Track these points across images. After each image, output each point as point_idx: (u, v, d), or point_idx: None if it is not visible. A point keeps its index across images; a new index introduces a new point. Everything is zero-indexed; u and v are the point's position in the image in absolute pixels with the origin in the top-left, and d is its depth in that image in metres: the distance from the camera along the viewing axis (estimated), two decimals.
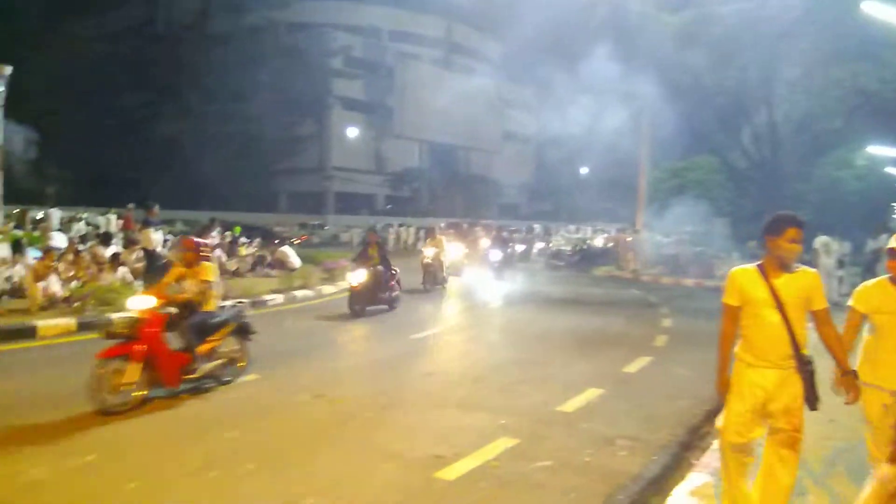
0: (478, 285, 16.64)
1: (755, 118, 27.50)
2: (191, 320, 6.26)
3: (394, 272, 12.09)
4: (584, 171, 61.41)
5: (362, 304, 11.17)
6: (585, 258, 23.99)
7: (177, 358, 6.10)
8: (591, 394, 6.57)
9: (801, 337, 3.35)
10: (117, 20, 54.41)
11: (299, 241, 27.45)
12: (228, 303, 7.72)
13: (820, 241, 15.05)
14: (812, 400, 3.37)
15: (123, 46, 48.83)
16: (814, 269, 3.53)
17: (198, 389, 6.27)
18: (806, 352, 3.36)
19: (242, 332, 6.87)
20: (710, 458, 4.71)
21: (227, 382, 6.56)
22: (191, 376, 6.16)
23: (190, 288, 6.40)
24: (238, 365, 6.77)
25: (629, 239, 23.00)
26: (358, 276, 11.32)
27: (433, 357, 8.33)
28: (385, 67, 61.13)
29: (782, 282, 3.36)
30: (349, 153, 56.51)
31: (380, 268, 11.64)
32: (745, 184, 28.16)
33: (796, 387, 3.36)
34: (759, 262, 3.49)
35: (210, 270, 6.51)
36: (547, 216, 60.05)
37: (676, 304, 14.28)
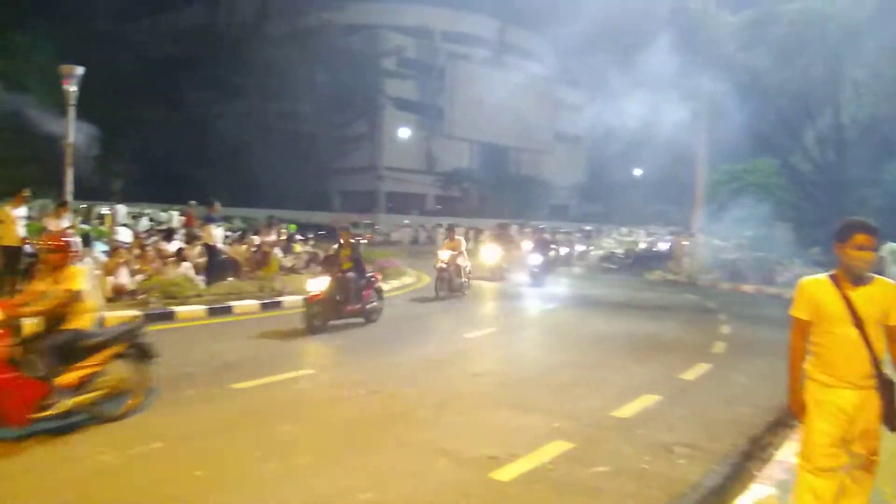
0: (511, 293, 15.61)
1: (819, 120, 26.49)
2: (49, 341, 4.92)
3: (372, 278, 10.53)
4: (637, 172, 60.38)
5: (323, 317, 9.30)
6: (638, 261, 23.58)
7: (24, 388, 4.65)
8: (648, 400, 6.45)
9: (880, 353, 3.14)
10: (181, 21, 56.22)
11: (366, 239, 27.75)
12: (195, 307, 7.42)
13: (888, 248, 14.38)
14: (892, 420, 3.15)
15: (187, 47, 50.36)
16: (892, 281, 3.27)
17: (63, 428, 4.88)
18: (885, 370, 3.16)
19: (137, 354, 5.50)
20: (774, 469, 4.57)
21: (113, 418, 5.18)
22: (45, 413, 4.72)
23: (53, 297, 5.02)
24: (129, 396, 5.35)
25: (685, 242, 22.47)
26: (317, 284, 9.45)
27: (485, 357, 8.32)
28: (437, 68, 61.41)
29: (859, 294, 3.12)
30: (400, 153, 56.98)
31: (350, 274, 9.82)
32: (808, 188, 27.15)
33: (875, 407, 3.13)
34: (831, 273, 3.25)
35: (77, 276, 5.11)
36: (598, 218, 59.23)
37: (735, 310, 13.87)
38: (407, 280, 16.45)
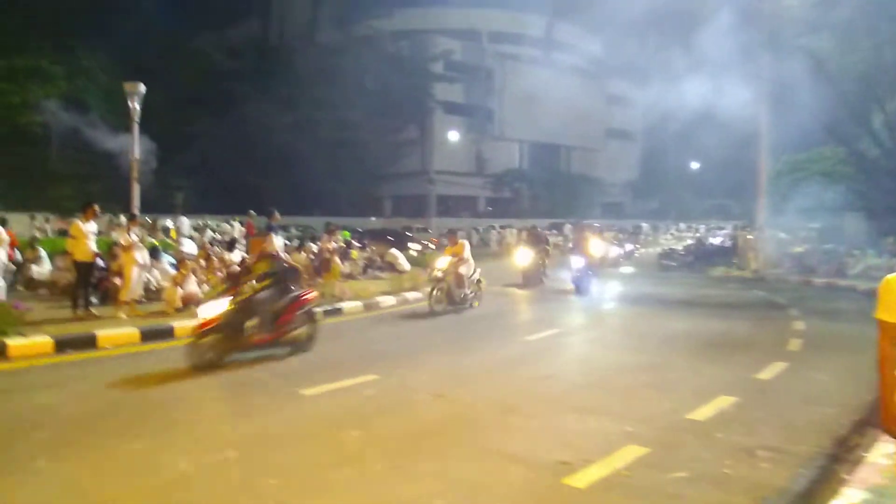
0: (542, 302, 13.92)
1: (889, 104, 25.18)
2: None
3: (298, 299, 8.32)
4: (693, 166, 58.85)
5: (219, 350, 7.41)
6: (700, 257, 22.90)
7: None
8: (724, 401, 6.20)
9: None
10: (236, 36, 57.86)
11: (433, 244, 27.72)
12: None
13: None
14: None
15: (242, 60, 51.80)
16: None
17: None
18: None
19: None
20: (866, 472, 4.30)
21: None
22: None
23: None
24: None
25: (750, 237, 21.71)
26: (211, 309, 7.51)
27: (551, 359, 8.18)
28: (485, 69, 61.36)
29: None
30: (450, 156, 57.09)
31: (260, 295, 7.84)
32: (878, 175, 25.83)
33: None
34: None
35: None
36: (654, 214, 58.02)
37: (807, 305, 13.30)
38: None
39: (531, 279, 16.54)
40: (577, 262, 15.03)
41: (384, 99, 53.77)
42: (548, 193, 59.97)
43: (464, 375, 7.28)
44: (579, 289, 14.66)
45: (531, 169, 63.46)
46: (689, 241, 28.90)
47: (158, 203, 28.27)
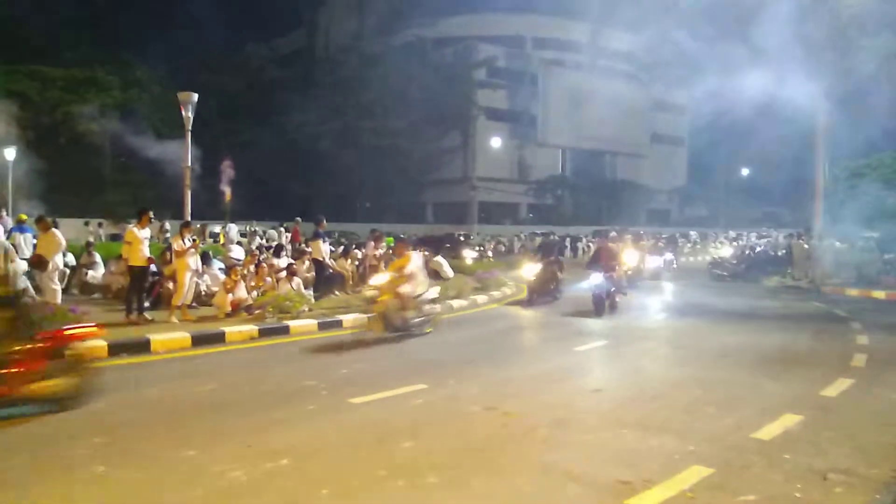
0: (537, 326, 11.94)
1: None
2: None
3: (46, 346, 5.91)
4: (744, 173, 57.35)
5: None
6: (752, 267, 22.15)
7: None
8: (789, 419, 5.90)
9: None
10: (282, 46, 59.07)
11: (490, 250, 27.47)
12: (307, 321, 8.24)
13: None
14: None
15: (288, 70, 52.78)
16: None
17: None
18: None
19: None
20: None
21: None
22: None
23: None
24: None
25: (805, 245, 20.94)
26: None
27: (602, 371, 7.96)
28: (529, 75, 61.10)
29: None
30: (493, 163, 56.97)
31: None
32: None
33: None
34: None
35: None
36: (702, 222, 56.68)
37: (869, 318, 12.69)
38: (507, 290, 16.24)
39: (539, 296, 14.37)
40: (595, 278, 12.73)
41: (427, 106, 54.02)
42: (591, 200, 59.25)
43: (513, 387, 7.12)
44: (599, 309, 12.35)
45: (574, 175, 62.82)
46: (733, 250, 27.86)
47: (206, 209, 28.87)
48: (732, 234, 44.14)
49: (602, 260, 13.36)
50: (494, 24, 60.80)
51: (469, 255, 23.71)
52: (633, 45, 67.14)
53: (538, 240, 32.69)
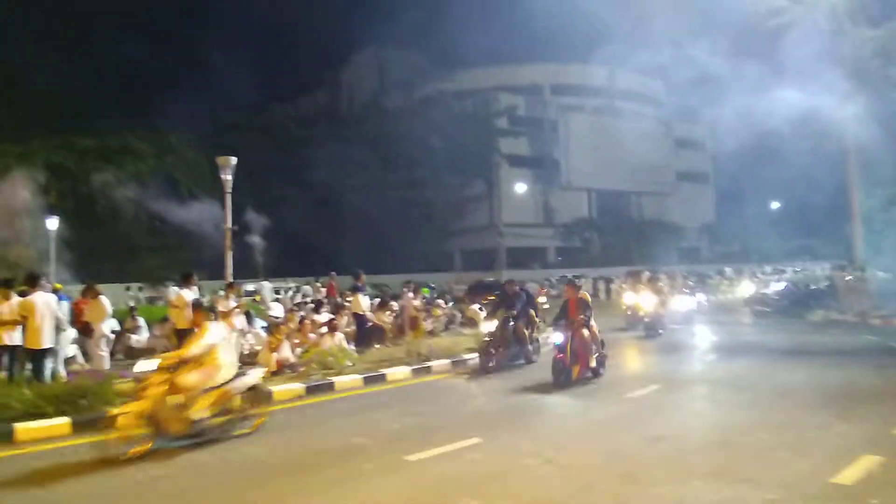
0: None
1: None
2: None
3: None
4: (774, 206, 56.64)
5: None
6: (795, 302, 21.61)
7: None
8: (868, 461, 5.62)
9: None
10: (307, 106, 60.83)
11: (544, 299, 26.73)
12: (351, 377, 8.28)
13: None
14: None
15: (313, 128, 54.18)
16: None
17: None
18: None
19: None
20: None
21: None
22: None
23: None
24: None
25: (849, 278, 20.42)
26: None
27: (659, 418, 7.70)
28: (548, 121, 61.87)
29: None
30: (518, 208, 57.21)
31: None
32: None
33: None
34: None
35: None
36: (734, 258, 55.76)
37: None
38: (548, 337, 15.98)
39: (495, 356, 11.37)
40: (556, 337, 10.01)
41: (450, 156, 54.81)
42: (620, 241, 58.86)
43: (568, 437, 6.94)
44: (557, 379, 9.45)
45: (601, 217, 62.71)
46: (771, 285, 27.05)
47: (238, 268, 29.28)
48: (769, 268, 43.31)
49: (570, 314, 10.23)
50: (512, 75, 62.05)
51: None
52: (652, 86, 68.05)
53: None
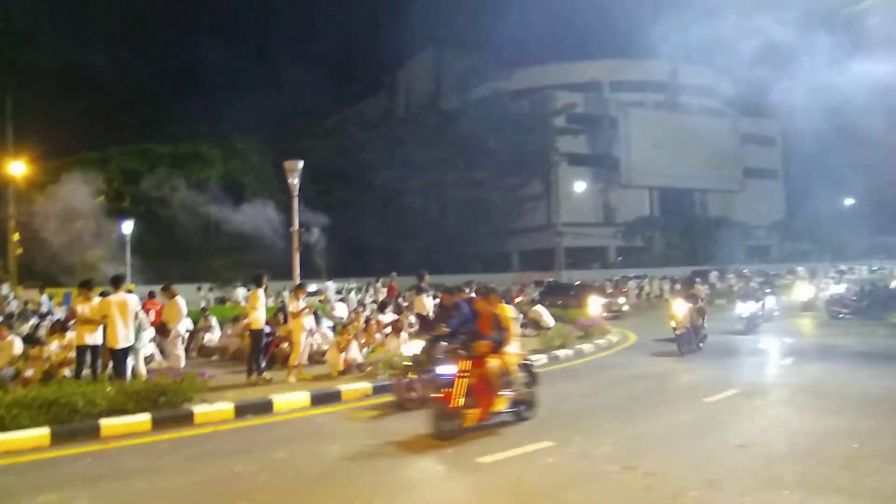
0: None
1: None
2: None
3: None
4: (848, 202, 54.03)
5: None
6: (875, 303, 20.48)
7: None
8: None
9: None
10: (366, 110, 61.71)
11: (623, 294, 25.51)
12: None
13: None
14: None
15: (373, 131, 54.94)
16: None
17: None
18: None
19: None
20: None
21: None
22: None
23: None
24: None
25: None
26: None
27: (741, 424, 7.38)
28: (608, 118, 60.76)
29: None
30: (577, 208, 56.34)
31: None
32: None
33: None
34: None
35: None
36: (807, 257, 53.41)
37: None
38: (612, 338, 15.67)
39: (410, 388, 8.63)
40: (444, 369, 7.61)
41: (508, 156, 54.54)
42: (684, 240, 57.19)
43: (646, 443, 6.72)
44: (440, 432, 6.92)
45: (663, 215, 61.15)
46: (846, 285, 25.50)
47: (301, 269, 29.89)
48: (844, 267, 41.26)
49: (482, 332, 7.57)
50: (569, 73, 61.25)
51: (596, 302, 20.77)
52: (716, 80, 65.91)
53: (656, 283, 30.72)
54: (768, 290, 20.89)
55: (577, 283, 29.85)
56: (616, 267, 54.22)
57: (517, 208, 57.39)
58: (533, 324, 16.71)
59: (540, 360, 12.42)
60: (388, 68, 69.53)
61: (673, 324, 13.11)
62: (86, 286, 9.96)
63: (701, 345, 13.40)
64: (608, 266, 55.98)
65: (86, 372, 9.51)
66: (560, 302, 22.82)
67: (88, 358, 9.61)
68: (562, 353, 13.22)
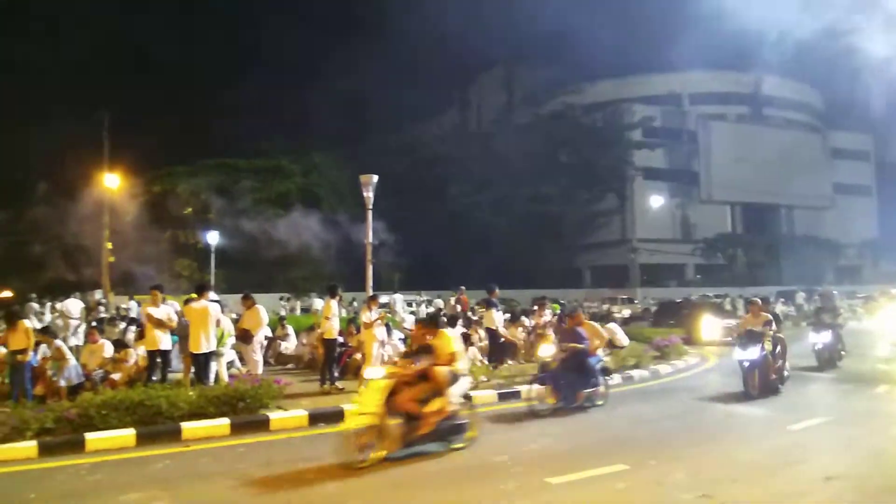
0: None
1: None
2: None
3: None
4: None
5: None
6: None
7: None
8: None
9: None
10: (437, 126, 62.42)
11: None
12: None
13: None
14: None
15: (444, 147, 55.44)
16: None
17: None
18: None
19: None
20: None
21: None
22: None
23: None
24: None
25: None
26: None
27: (829, 454, 6.94)
28: (687, 132, 59.09)
29: None
30: (653, 223, 54.94)
31: None
32: None
33: None
34: None
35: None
36: None
37: None
38: (690, 360, 15.10)
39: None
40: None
41: (580, 170, 53.82)
42: (769, 259, 54.57)
43: (724, 472, 6.41)
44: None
45: (746, 232, 58.69)
46: None
47: (374, 281, 30.38)
48: None
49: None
50: (645, 85, 60.00)
51: (715, 324, 18.41)
52: (803, 93, 63.08)
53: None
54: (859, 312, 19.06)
55: (689, 300, 26.48)
56: (694, 285, 52.35)
57: (589, 223, 56.46)
58: (607, 343, 16.30)
59: (612, 379, 12.12)
60: (460, 83, 70.14)
61: (738, 357, 10.41)
62: (157, 290, 10.45)
63: (780, 386, 10.74)
64: (685, 284, 54.14)
65: (179, 376, 9.98)
66: (672, 322, 20.16)
67: (159, 361, 10.10)
68: (636, 373, 12.86)
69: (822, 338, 13.60)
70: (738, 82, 60.49)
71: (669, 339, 15.62)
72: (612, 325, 16.66)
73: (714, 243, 55.49)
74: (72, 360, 10.44)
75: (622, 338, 16.15)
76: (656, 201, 50.18)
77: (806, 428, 8.21)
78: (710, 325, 18.75)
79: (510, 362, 13.61)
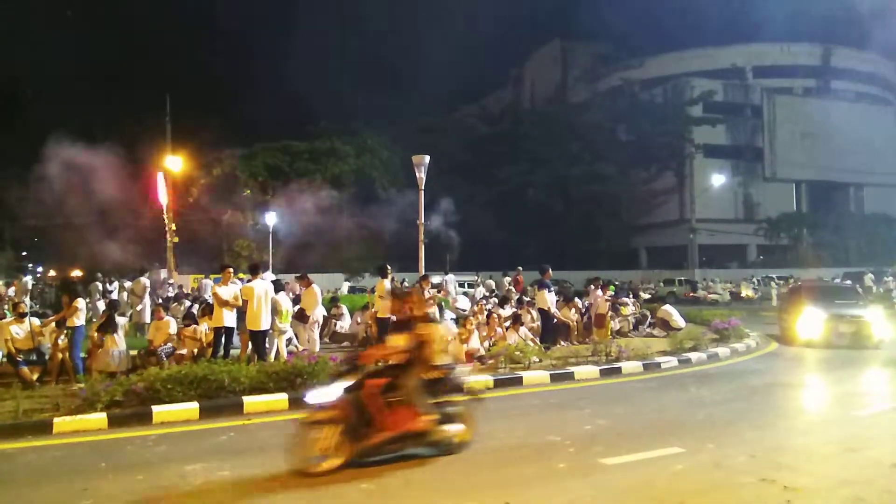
0: None
1: None
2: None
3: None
4: None
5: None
6: None
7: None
8: None
9: None
10: (492, 105, 61.97)
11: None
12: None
13: None
14: None
15: (498, 126, 55.07)
16: None
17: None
18: None
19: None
20: None
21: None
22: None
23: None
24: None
25: None
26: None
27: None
28: (751, 106, 56.87)
29: None
30: (712, 202, 53.31)
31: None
32: None
33: None
34: None
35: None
36: None
37: None
38: (751, 343, 14.67)
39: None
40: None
41: (637, 148, 52.62)
42: (836, 239, 52.23)
43: (787, 456, 6.22)
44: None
45: (812, 212, 56.31)
46: None
47: (426, 262, 30.59)
48: None
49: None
50: (706, 59, 57.96)
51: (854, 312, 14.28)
52: (875, 64, 59.69)
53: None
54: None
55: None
56: (756, 267, 50.71)
57: (646, 203, 55.29)
58: (662, 324, 16.04)
59: (670, 362, 11.92)
60: (514, 61, 69.32)
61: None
62: (229, 269, 10.76)
63: None
64: (747, 265, 52.50)
65: (235, 353, 10.29)
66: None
67: (223, 338, 10.42)
68: (694, 356, 12.57)
69: None
70: (805, 54, 57.81)
71: (729, 321, 15.20)
72: (667, 307, 16.40)
73: (778, 223, 53.48)
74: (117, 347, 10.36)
75: (678, 320, 15.90)
76: (717, 179, 48.60)
77: (874, 414, 7.90)
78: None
79: (563, 343, 13.53)
